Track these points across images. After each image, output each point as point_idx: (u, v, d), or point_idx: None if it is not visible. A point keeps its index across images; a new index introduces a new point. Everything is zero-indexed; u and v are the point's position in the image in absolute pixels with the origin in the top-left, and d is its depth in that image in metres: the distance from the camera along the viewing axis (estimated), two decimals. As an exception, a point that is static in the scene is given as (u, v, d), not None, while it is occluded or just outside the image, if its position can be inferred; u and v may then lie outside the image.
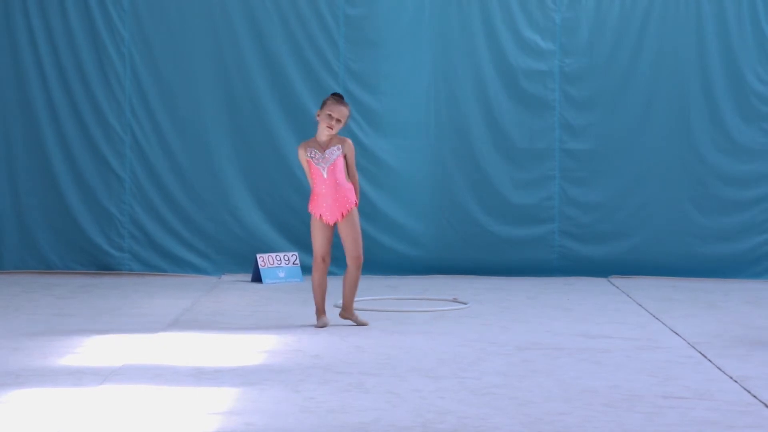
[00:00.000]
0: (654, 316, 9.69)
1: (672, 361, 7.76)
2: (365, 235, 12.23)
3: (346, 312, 9.02)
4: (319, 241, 8.97)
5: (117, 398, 6.51)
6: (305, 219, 12.47)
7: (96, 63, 12.21)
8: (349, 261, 8.93)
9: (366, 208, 12.28)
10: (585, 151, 12.33)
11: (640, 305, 10.31)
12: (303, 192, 12.30)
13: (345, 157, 8.86)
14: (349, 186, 8.88)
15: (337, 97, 8.82)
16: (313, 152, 8.83)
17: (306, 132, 12.24)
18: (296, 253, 11.96)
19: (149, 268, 12.26)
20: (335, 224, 8.93)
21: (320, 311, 8.99)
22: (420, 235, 12.35)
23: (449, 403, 6.45)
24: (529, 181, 12.34)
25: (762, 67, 12.23)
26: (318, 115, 8.82)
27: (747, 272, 12.23)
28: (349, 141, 8.92)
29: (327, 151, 8.81)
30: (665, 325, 9.25)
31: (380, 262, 12.16)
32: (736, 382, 7.05)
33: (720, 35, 12.21)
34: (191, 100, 12.27)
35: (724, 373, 7.32)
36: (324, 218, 8.90)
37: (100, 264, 12.26)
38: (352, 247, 8.90)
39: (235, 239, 12.29)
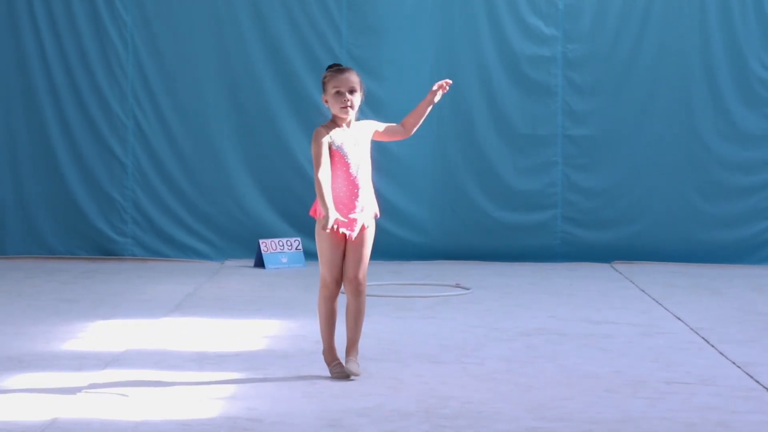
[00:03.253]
0: (657, 302, 9.68)
1: (675, 346, 7.76)
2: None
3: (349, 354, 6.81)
4: (333, 256, 6.71)
5: (120, 383, 6.52)
6: (307, 204, 12.43)
7: (98, 48, 12.19)
8: (348, 285, 6.78)
9: (369, 194, 12.28)
10: (588, 137, 12.31)
11: (643, 291, 10.31)
12: (305, 177, 12.28)
13: (375, 133, 6.89)
14: (371, 189, 6.82)
15: (336, 67, 6.82)
16: (340, 139, 6.72)
17: (308, 117, 12.23)
18: (299, 239, 11.96)
19: (152, 254, 12.26)
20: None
21: (333, 352, 6.83)
22: (423, 221, 12.35)
23: (452, 388, 6.45)
24: (532, 167, 12.33)
25: (765, 52, 12.20)
26: (325, 101, 6.80)
27: (750, 258, 12.22)
28: (368, 120, 6.96)
29: (358, 140, 6.76)
30: (668, 310, 9.25)
31: (383, 248, 12.10)
32: (738, 367, 7.05)
33: (723, 21, 12.17)
34: (193, 85, 12.26)
35: (727, 358, 7.33)
36: (339, 229, 6.64)
37: (103, 249, 12.26)
38: (355, 268, 6.74)
39: (237, 224, 12.29)
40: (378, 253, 12.16)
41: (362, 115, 12.62)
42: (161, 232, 12.28)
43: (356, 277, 6.73)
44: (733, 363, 7.17)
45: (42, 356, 7.27)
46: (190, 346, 7.65)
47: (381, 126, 6.91)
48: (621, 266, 11.95)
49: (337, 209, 6.63)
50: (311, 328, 8.32)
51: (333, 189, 6.65)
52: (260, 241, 11.74)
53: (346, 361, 6.72)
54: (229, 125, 12.29)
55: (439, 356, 7.34)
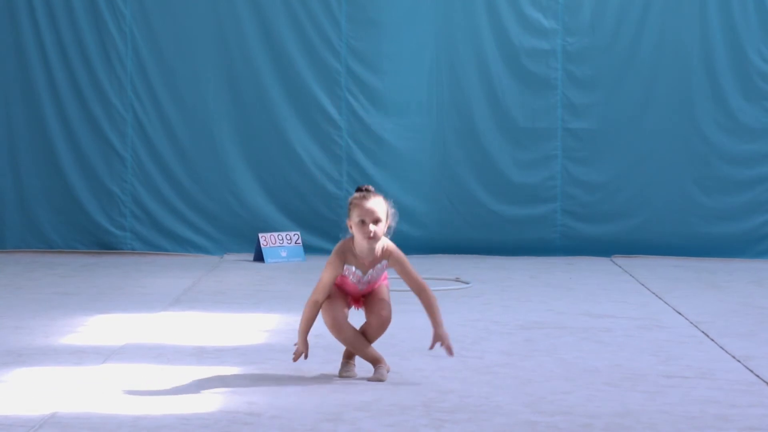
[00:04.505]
0: (656, 296, 9.68)
1: (674, 340, 7.75)
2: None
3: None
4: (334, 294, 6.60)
5: (119, 377, 6.51)
6: (307, 198, 12.50)
7: (97, 41, 12.19)
8: (375, 321, 6.67)
9: (368, 188, 12.27)
10: (588, 131, 12.30)
11: (643, 284, 10.31)
12: (305, 171, 12.29)
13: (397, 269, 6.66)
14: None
15: (363, 193, 6.49)
16: (352, 270, 6.55)
17: (307, 110, 12.23)
18: (298, 233, 11.96)
19: (151, 248, 12.26)
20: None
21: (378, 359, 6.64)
22: (422, 215, 12.34)
23: (451, 382, 6.44)
24: (532, 161, 12.32)
25: (765, 45, 12.19)
26: (349, 226, 6.51)
27: (750, 252, 12.22)
28: (395, 250, 6.64)
29: (371, 272, 6.58)
30: (668, 304, 9.24)
31: (382, 242, 12.15)
32: (738, 361, 7.04)
33: (723, 14, 12.16)
34: (193, 78, 12.25)
35: (727, 352, 7.32)
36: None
37: (101, 243, 12.26)
38: (380, 307, 6.66)
39: (237, 218, 12.29)
40: (377, 247, 12.23)
41: (362, 110, 12.70)
42: (160, 226, 12.27)
43: (388, 318, 6.59)
44: (733, 357, 7.16)
45: (41, 350, 7.26)
46: (189, 340, 7.65)
47: (408, 274, 6.63)
48: (620, 260, 11.95)
49: (343, 295, 6.58)
50: (310, 321, 8.31)
51: (342, 287, 6.58)
52: (259, 235, 11.74)
53: (350, 368, 6.67)
54: (228, 119, 12.29)
55: (438, 350, 7.32)
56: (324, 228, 12.17)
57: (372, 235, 6.41)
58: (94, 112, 12.23)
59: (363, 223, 6.41)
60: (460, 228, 12.33)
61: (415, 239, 12.30)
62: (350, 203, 6.49)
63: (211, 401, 5.98)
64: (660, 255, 12.18)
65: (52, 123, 12.23)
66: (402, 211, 12.25)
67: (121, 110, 12.25)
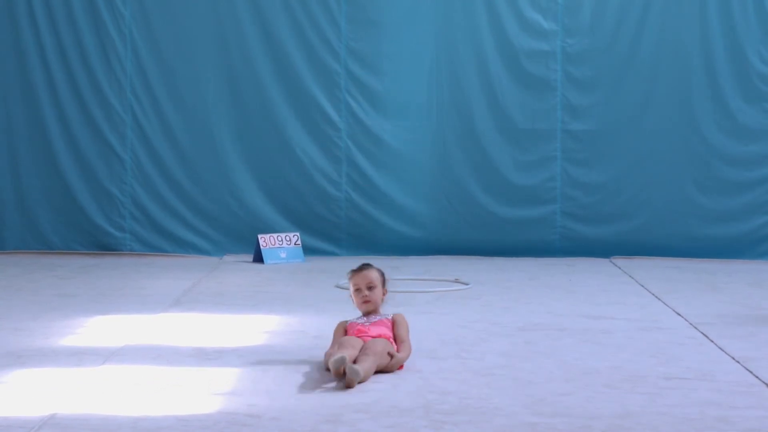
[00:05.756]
0: (656, 297, 9.68)
1: (674, 341, 7.75)
2: (369, 217, 12.25)
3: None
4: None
5: (118, 378, 6.51)
6: (306, 200, 12.50)
7: (97, 43, 12.19)
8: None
9: (368, 189, 12.28)
10: (587, 132, 12.30)
11: (642, 286, 10.30)
12: (304, 172, 12.29)
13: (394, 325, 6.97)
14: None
15: (357, 269, 7.04)
16: (357, 318, 7.02)
17: (307, 111, 12.24)
18: (297, 234, 11.96)
19: (150, 249, 12.25)
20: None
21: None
22: (422, 216, 12.34)
23: (451, 383, 6.44)
24: (531, 162, 12.32)
25: (765, 47, 12.19)
26: (351, 299, 7.05)
27: (749, 253, 12.22)
28: (401, 315, 7.05)
29: (373, 317, 6.97)
30: (667, 305, 9.24)
31: (382, 243, 12.16)
32: (738, 362, 7.04)
33: (722, 15, 12.16)
34: (192, 80, 12.25)
35: (727, 353, 7.32)
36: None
37: (101, 244, 12.26)
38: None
39: (236, 219, 12.29)
40: (376, 248, 12.24)
41: (362, 111, 12.67)
42: (160, 228, 12.27)
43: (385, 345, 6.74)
44: (733, 358, 7.16)
45: (41, 351, 7.26)
46: (189, 341, 7.64)
47: (403, 331, 6.96)
48: (620, 261, 11.95)
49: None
50: (310, 323, 8.32)
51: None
52: (259, 236, 11.74)
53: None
54: (227, 120, 12.29)
55: (438, 351, 7.33)
56: (323, 229, 12.17)
57: (368, 299, 6.94)
58: (93, 114, 12.23)
59: (358, 290, 6.96)
60: (460, 229, 12.33)
61: (414, 240, 12.30)
62: (348, 278, 7.04)
63: (211, 403, 5.98)
64: (659, 256, 12.18)
65: (51, 124, 12.23)
66: (402, 211, 12.39)
67: (121, 112, 12.26)
